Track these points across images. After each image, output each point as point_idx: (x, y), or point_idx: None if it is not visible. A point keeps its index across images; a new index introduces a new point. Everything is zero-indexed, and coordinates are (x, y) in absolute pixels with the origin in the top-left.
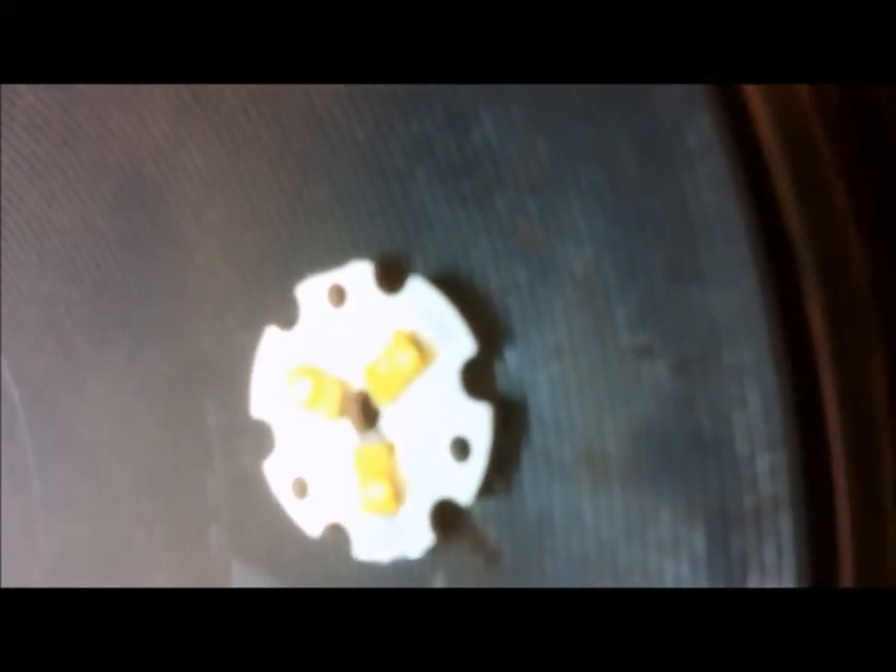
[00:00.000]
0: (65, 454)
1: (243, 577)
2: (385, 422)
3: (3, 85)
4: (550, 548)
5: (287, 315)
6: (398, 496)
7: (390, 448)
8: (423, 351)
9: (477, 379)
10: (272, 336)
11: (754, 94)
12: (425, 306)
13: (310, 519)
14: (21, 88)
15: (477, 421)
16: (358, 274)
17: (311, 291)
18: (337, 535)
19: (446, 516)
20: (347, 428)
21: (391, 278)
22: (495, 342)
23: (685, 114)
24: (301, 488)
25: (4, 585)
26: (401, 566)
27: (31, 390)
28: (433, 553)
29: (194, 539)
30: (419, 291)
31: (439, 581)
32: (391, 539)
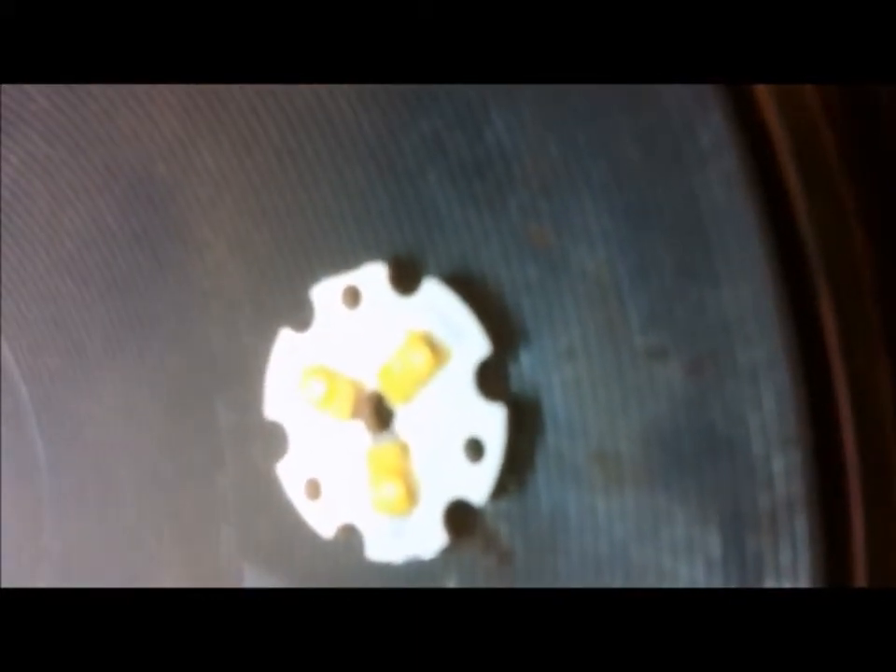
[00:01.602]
0: (74, 452)
1: (253, 577)
2: (398, 422)
3: (15, 89)
4: (563, 548)
5: (301, 316)
6: (411, 496)
7: (404, 448)
8: (437, 351)
9: (491, 380)
10: (286, 338)
11: (764, 94)
12: (439, 307)
13: (323, 520)
14: (33, 91)
15: (491, 422)
16: (373, 276)
17: (325, 293)
18: (350, 536)
19: (460, 516)
20: (361, 429)
21: (405, 279)
22: (508, 342)
23: (696, 113)
24: (314, 489)
25: (12, 583)
26: (413, 566)
27: (40, 388)
28: (446, 553)
29: (204, 538)
30: (433, 292)
31: (451, 581)
32: (404, 539)
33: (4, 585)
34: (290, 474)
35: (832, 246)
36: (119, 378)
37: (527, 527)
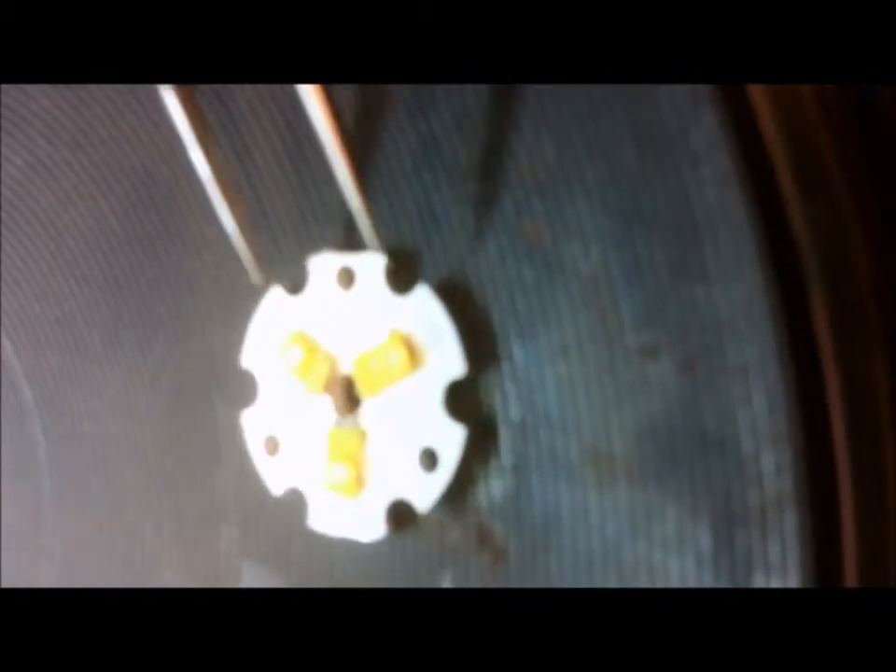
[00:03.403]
0: (76, 450)
1: (251, 575)
2: (363, 412)
3: (17, 90)
4: (556, 546)
5: (294, 280)
6: (359, 482)
7: (363, 437)
8: (414, 357)
9: (460, 399)
10: (275, 297)
11: (758, 93)
12: (426, 315)
13: (275, 477)
14: (35, 92)
15: (450, 439)
16: (371, 264)
17: (322, 266)
18: (297, 499)
19: (402, 514)
20: (328, 406)
21: (401, 278)
22: (487, 365)
23: (690, 113)
24: (272, 446)
25: (12, 580)
26: (408, 563)
27: (42, 386)
28: (440, 550)
29: (203, 536)
30: (425, 299)
31: (446, 579)
32: (345, 520)
33: (4, 583)
34: (253, 425)
35: (825, 246)
36: (120, 376)
37: (521, 525)
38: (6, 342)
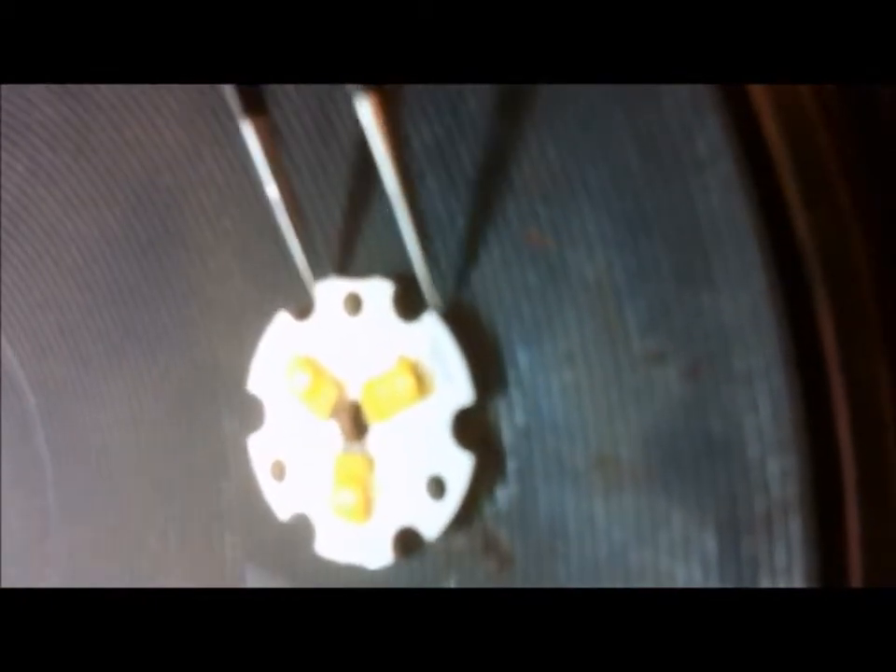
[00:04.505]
0: (80, 460)
1: (256, 582)
2: (371, 438)
3: (20, 97)
4: (562, 551)
5: (301, 306)
6: (367, 509)
7: (370, 463)
8: (422, 384)
9: (468, 427)
10: (282, 322)
11: (761, 98)
12: (434, 343)
13: (282, 502)
14: (38, 100)
15: (458, 467)
16: (378, 290)
17: (329, 293)
18: (304, 524)
19: (410, 541)
20: (335, 431)
21: (408, 305)
22: (494, 392)
23: (693, 119)
24: (279, 470)
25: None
26: (414, 570)
27: (46, 396)
28: (446, 557)
29: (208, 545)
30: (433, 326)
31: (451, 584)
32: (352, 545)
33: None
34: (260, 450)
35: (829, 251)
36: (124, 385)
37: (527, 530)
38: (10, 351)
